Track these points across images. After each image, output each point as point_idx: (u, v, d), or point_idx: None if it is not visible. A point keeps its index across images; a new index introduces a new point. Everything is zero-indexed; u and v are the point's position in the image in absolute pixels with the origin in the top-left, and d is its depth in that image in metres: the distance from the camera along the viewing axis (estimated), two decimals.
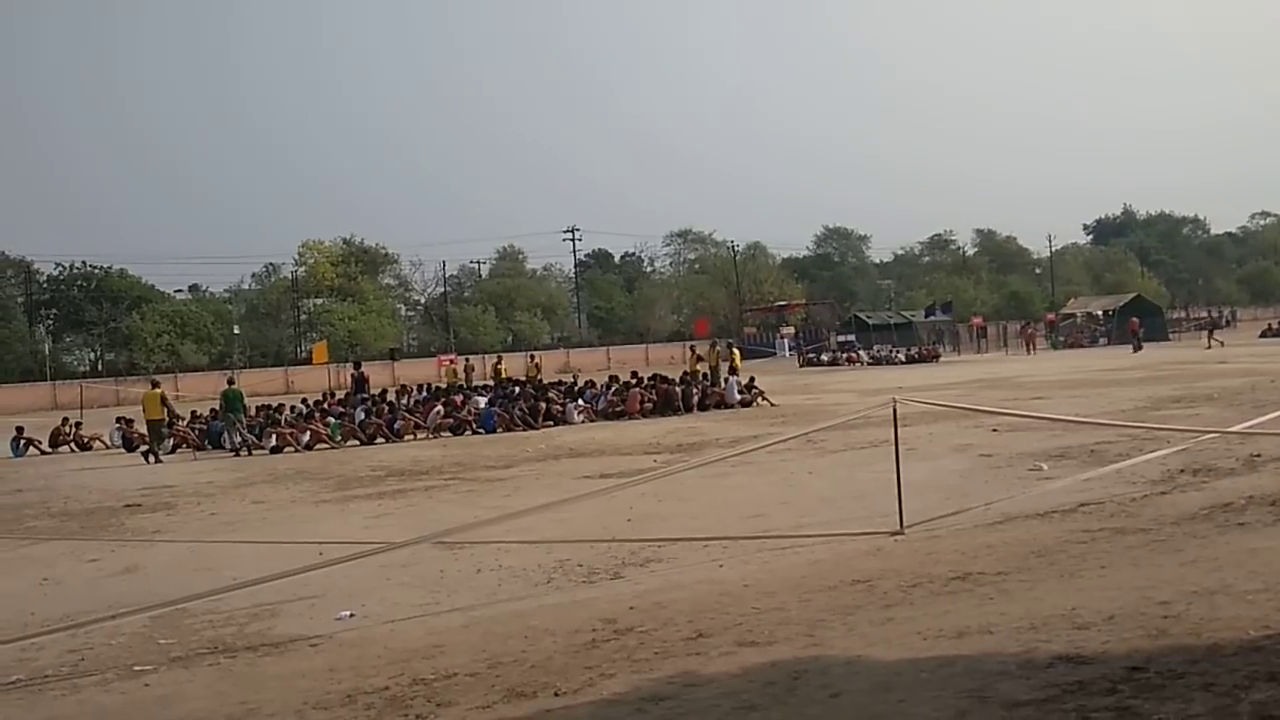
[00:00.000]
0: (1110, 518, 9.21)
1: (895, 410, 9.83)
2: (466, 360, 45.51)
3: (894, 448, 9.67)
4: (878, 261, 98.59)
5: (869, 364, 49.38)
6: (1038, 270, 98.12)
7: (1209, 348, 44.44)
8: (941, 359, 49.95)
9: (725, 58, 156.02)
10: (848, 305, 79.20)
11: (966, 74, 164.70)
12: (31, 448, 24.49)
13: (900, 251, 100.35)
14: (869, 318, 65.61)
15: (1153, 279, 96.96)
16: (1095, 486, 10.64)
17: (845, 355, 52.31)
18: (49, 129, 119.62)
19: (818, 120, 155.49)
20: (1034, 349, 53.45)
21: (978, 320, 64.69)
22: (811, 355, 54.24)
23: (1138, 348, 48.21)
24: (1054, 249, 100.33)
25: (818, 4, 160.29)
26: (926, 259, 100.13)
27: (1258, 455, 12.02)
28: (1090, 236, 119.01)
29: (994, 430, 16.13)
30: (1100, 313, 62.61)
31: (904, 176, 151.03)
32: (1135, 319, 56.05)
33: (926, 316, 63.85)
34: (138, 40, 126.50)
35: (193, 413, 25.31)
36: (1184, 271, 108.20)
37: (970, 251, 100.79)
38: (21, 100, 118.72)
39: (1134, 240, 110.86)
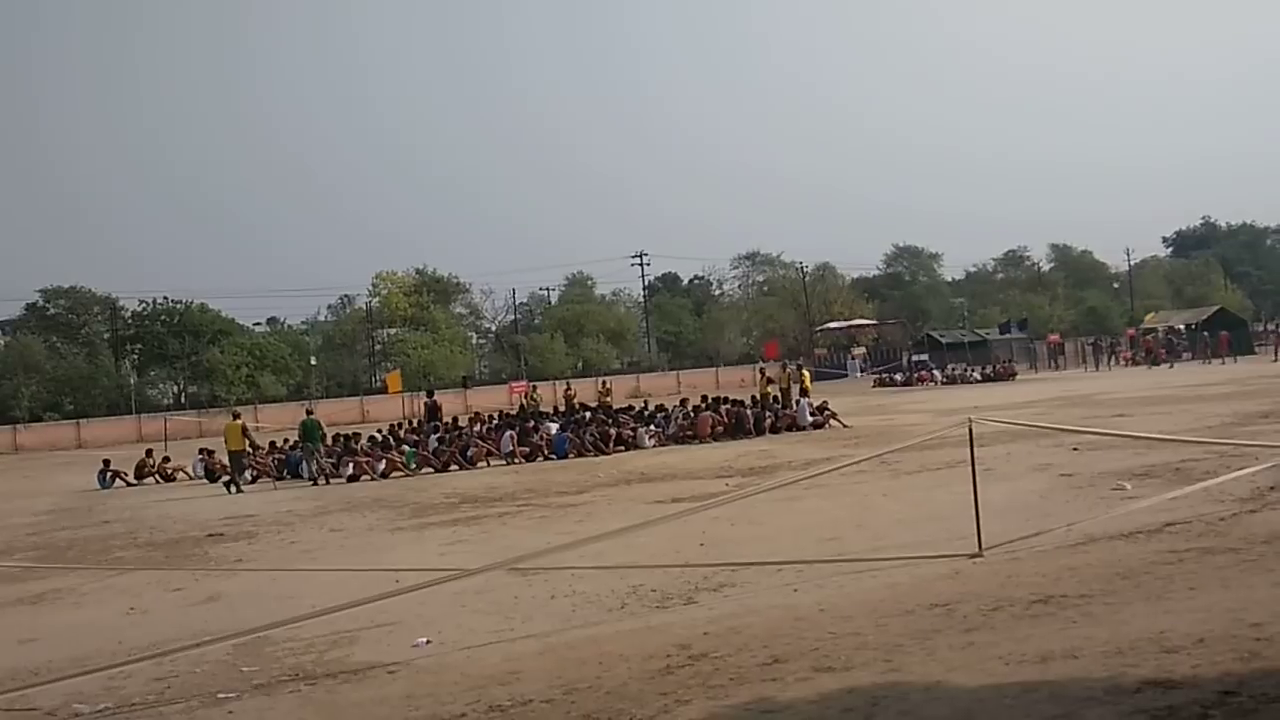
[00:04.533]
0: (1198, 537, 8.94)
1: (971, 430, 9.65)
2: (534, 387, 45.86)
3: (971, 468, 9.49)
4: (950, 279, 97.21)
5: (943, 383, 48.72)
6: (1116, 285, 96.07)
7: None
8: (1018, 377, 49.12)
9: (790, 62, 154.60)
10: (920, 324, 78.25)
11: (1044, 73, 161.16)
12: (118, 480, 25.12)
13: (973, 269, 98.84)
14: (942, 336, 64.75)
15: (1236, 291, 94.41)
16: (1181, 505, 10.34)
17: (918, 375, 51.69)
18: (127, 183, 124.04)
19: (892, 118, 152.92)
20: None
21: (1054, 337, 63.51)
22: (885, 375, 53.72)
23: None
24: (1133, 262, 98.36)
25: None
26: (1000, 275, 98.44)
27: None
28: (1170, 249, 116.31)
29: (1074, 449, 15.79)
30: (1182, 326, 61.14)
31: (980, 180, 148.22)
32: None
33: (1002, 334, 62.88)
34: (198, 93, 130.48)
35: (272, 443, 25.79)
36: (1269, 283, 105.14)
37: (1045, 267, 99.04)
38: (97, 156, 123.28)
39: (1215, 252, 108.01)
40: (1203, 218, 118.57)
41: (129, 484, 25.10)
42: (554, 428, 24.39)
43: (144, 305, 66.76)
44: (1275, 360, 46.73)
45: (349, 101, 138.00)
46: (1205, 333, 55.07)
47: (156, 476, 25.68)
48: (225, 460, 23.01)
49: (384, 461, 21.94)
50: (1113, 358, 54.58)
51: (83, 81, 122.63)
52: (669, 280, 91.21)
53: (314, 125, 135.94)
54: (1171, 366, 48.41)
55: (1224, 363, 47.96)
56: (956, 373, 50.47)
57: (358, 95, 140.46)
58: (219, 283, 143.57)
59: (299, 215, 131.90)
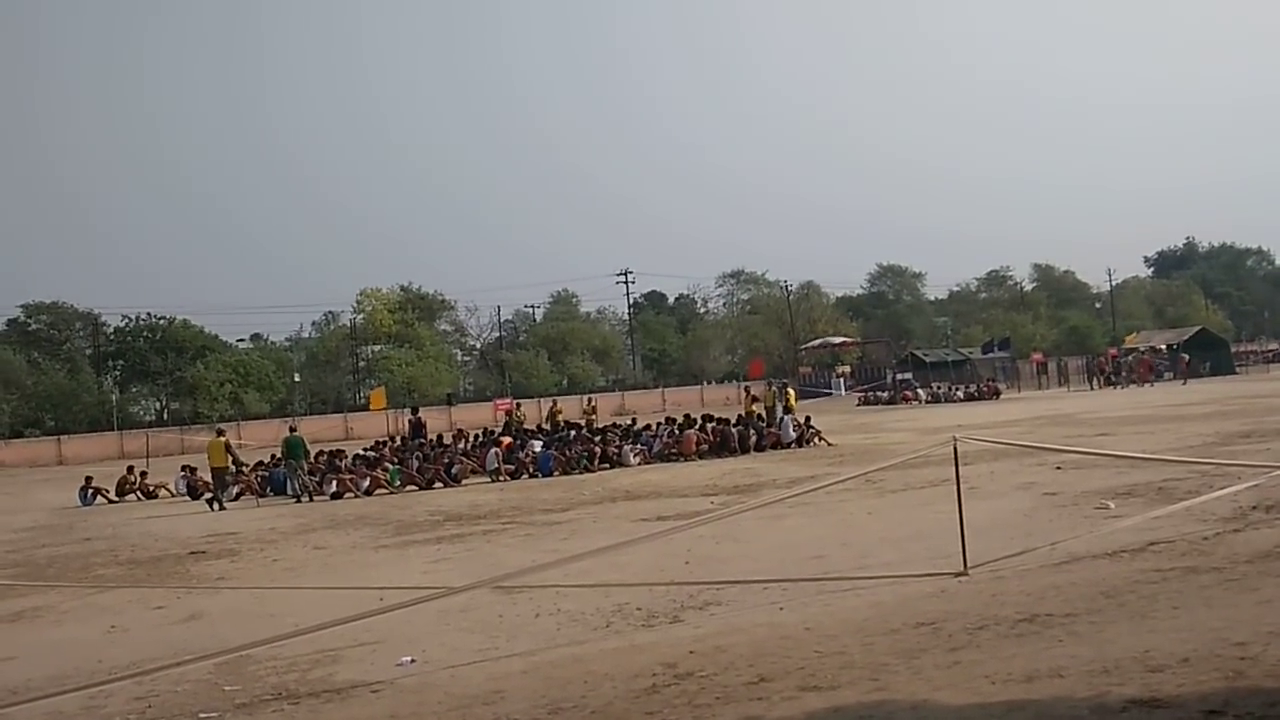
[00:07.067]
0: (1181, 556, 8.97)
1: (956, 449, 9.67)
2: (518, 405, 45.83)
3: (955, 487, 9.51)
4: (933, 299, 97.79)
5: (927, 402, 48.85)
6: (1098, 305, 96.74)
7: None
8: (1002, 396, 49.29)
9: (783, 80, 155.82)
10: (903, 343, 78.56)
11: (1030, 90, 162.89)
12: (99, 497, 24.93)
13: (956, 288, 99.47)
14: (926, 355, 65.02)
15: (1217, 312, 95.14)
16: (1165, 525, 10.38)
17: (902, 394, 51.81)
18: (110, 193, 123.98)
19: (878, 136, 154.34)
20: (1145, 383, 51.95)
21: (1038, 356, 63.87)
22: (869, 394, 53.83)
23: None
24: (1114, 282, 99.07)
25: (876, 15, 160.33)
26: (983, 295, 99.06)
27: None
28: (1151, 269, 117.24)
29: (1058, 468, 15.85)
30: (1164, 347, 61.55)
31: (965, 198, 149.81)
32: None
33: (985, 353, 63.17)
34: (187, 101, 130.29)
35: (259, 462, 25.61)
36: (1249, 304, 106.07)
37: (1028, 287, 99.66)
38: (82, 165, 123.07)
39: (1196, 273, 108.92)
40: (1185, 238, 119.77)
41: (110, 501, 24.91)
42: (539, 445, 24.35)
43: (126, 321, 66.59)
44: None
45: (348, 112, 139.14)
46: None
47: (138, 493, 25.49)
48: (208, 477, 22.86)
49: (368, 479, 21.85)
50: (1094, 378, 54.97)
51: (76, 90, 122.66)
52: (654, 298, 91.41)
53: (311, 135, 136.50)
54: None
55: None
56: (940, 391, 50.64)
57: (356, 105, 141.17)
58: (203, 297, 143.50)
59: (288, 223, 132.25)
